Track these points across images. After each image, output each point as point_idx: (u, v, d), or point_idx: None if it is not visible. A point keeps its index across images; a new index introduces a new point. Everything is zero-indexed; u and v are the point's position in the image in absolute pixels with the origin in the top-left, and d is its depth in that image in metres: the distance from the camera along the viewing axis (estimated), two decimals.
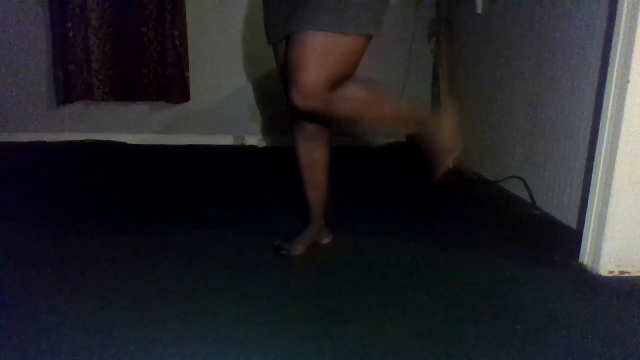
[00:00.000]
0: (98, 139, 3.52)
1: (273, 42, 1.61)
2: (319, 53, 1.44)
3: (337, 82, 1.47)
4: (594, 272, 1.61)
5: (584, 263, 1.65)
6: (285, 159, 3.40)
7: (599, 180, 1.59)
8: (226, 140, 3.59)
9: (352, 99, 1.53)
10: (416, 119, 1.66)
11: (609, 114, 1.55)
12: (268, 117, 3.59)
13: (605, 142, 1.56)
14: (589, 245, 1.64)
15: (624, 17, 1.49)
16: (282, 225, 1.97)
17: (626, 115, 1.50)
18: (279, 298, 1.42)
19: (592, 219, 1.62)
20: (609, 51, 1.54)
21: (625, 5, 1.48)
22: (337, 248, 1.78)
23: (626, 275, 1.59)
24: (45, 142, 3.47)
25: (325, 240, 1.80)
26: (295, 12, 1.44)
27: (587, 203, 1.65)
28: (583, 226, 1.67)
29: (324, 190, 1.73)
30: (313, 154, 1.69)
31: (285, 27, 1.49)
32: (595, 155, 1.60)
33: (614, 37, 1.52)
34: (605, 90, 1.56)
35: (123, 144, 3.50)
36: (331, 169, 1.72)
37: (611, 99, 1.54)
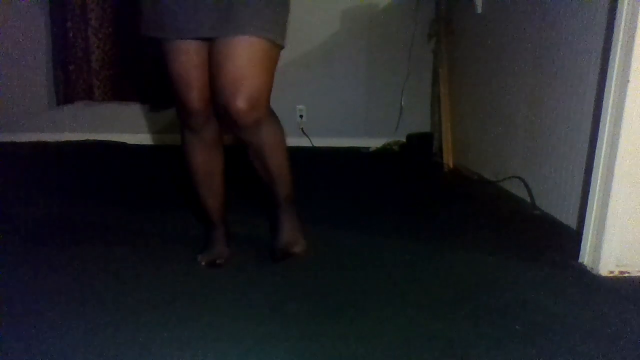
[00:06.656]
0: (98, 139, 3.52)
1: (182, 38, 1.42)
2: (266, 61, 1.42)
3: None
4: (594, 272, 1.61)
5: (584, 263, 1.65)
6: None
7: (599, 180, 1.59)
8: (225, 140, 3.58)
9: (277, 126, 1.58)
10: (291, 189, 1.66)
11: (609, 114, 1.55)
12: None
13: (605, 142, 1.56)
14: (589, 245, 1.64)
15: (624, 17, 1.48)
16: None
17: (626, 115, 1.50)
18: (279, 298, 1.42)
19: (592, 219, 1.62)
20: (609, 51, 1.54)
21: (625, 5, 1.48)
22: (337, 248, 1.78)
23: (626, 275, 1.59)
24: (45, 142, 3.47)
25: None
26: (232, 12, 1.35)
27: (587, 203, 1.65)
28: (583, 226, 1.67)
29: (223, 196, 1.69)
30: (212, 162, 1.67)
31: (217, 26, 1.37)
32: (595, 155, 1.60)
33: (614, 37, 1.52)
34: (605, 90, 1.56)
35: (123, 144, 3.50)
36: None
37: (611, 99, 1.53)
